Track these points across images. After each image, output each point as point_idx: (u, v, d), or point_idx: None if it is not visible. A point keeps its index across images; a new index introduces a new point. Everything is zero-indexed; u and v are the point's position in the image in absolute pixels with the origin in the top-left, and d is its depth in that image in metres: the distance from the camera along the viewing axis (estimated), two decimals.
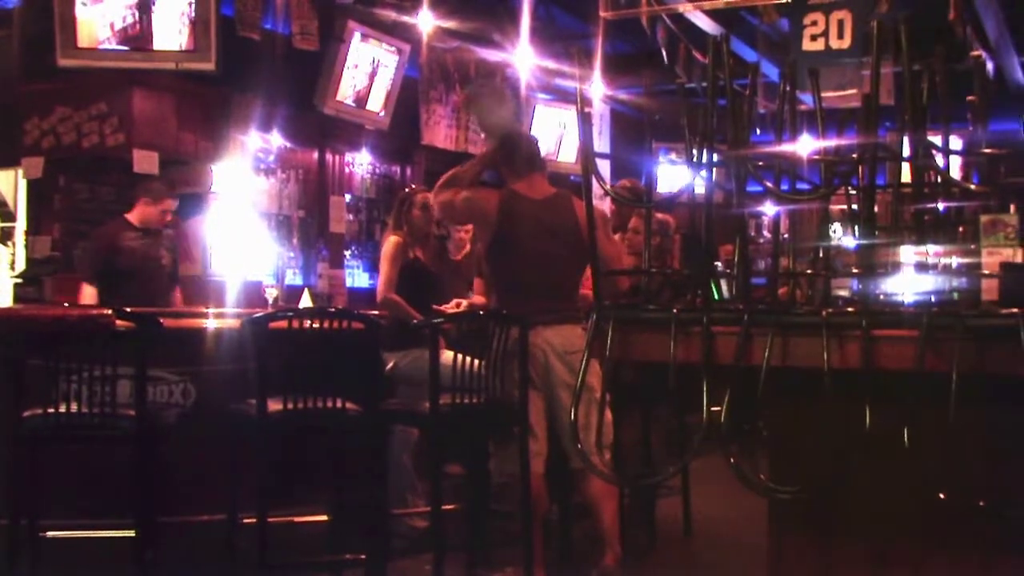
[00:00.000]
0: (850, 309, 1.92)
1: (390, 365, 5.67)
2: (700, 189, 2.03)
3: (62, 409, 4.14)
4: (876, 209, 1.99)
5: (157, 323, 4.41)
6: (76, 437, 4.28)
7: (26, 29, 8.24)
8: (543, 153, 5.32)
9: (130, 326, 4.27)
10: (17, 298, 7.63)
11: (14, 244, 8.71)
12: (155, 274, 7.00)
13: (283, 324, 4.47)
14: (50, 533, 4.70)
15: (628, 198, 6.20)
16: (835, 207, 2.16)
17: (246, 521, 4.50)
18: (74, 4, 7.68)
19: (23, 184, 8.65)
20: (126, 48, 7.82)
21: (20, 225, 8.85)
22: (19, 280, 7.81)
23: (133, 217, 6.94)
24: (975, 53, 7.89)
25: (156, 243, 7.03)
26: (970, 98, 2.52)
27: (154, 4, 7.80)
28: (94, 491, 4.89)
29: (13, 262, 8.40)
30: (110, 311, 4.27)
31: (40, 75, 8.02)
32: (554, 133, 11.80)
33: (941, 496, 1.78)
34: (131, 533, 4.29)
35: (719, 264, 7.93)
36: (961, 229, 2.33)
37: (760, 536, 2.21)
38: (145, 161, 7.85)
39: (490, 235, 4.90)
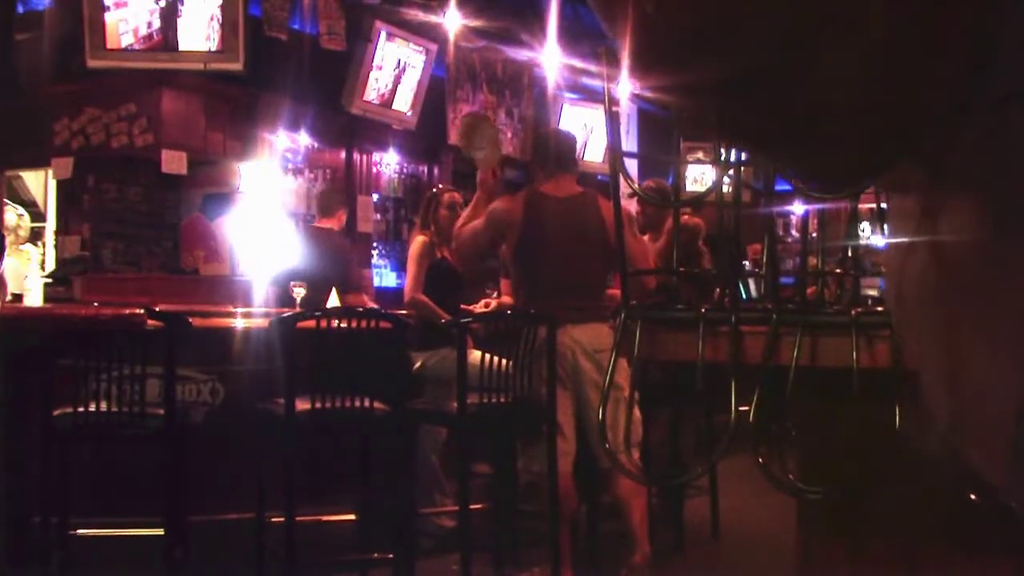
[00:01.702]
0: (879, 308, 1.91)
1: (418, 364, 5.67)
2: (728, 188, 2.02)
3: (92, 408, 4.16)
4: None
5: (186, 323, 4.44)
6: (105, 436, 4.30)
7: (55, 30, 8.31)
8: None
9: (159, 326, 4.29)
10: (47, 297, 7.69)
11: (44, 244, 8.79)
12: None
13: (311, 324, 4.48)
14: (79, 531, 4.73)
15: (655, 198, 6.19)
16: (864, 206, 2.14)
17: (274, 520, 4.51)
18: (103, 5, 7.73)
19: (53, 184, 8.74)
20: (154, 49, 7.87)
21: (50, 225, 8.94)
22: (49, 280, 7.88)
23: (334, 223, 7.15)
24: None
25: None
26: None
27: (182, 5, 7.85)
28: (123, 489, 4.91)
29: (44, 261, 8.47)
30: (141, 310, 4.29)
31: (69, 76, 8.09)
32: (581, 133, 11.79)
33: (972, 497, 1.76)
34: (160, 531, 4.31)
35: (747, 263, 7.91)
36: None
37: (788, 536, 2.18)
38: (173, 161, 7.90)
39: (516, 236, 4.89)
